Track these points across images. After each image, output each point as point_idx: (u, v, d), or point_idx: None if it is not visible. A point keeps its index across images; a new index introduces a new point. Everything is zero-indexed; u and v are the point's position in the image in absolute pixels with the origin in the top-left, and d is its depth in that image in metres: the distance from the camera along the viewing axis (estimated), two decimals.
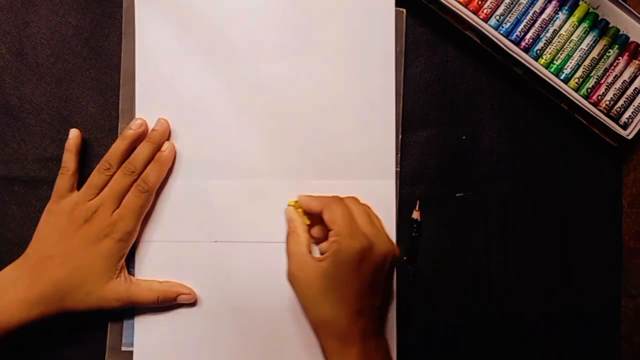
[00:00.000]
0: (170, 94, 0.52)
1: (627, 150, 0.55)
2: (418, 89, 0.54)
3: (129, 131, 0.50)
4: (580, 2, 0.53)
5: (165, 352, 0.52)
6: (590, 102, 0.52)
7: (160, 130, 0.51)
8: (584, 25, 0.53)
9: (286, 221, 0.51)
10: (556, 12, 0.53)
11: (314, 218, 0.50)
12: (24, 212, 0.53)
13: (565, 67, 0.52)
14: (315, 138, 0.53)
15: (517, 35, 0.52)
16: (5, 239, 0.52)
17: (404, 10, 0.54)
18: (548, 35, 0.52)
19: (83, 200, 0.49)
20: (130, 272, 0.51)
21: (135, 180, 0.50)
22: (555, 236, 0.55)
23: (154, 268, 0.52)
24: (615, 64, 0.53)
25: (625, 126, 0.53)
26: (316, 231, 0.51)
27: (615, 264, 0.55)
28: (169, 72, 0.52)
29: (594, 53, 0.53)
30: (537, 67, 0.52)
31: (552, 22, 0.52)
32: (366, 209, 0.50)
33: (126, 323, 0.52)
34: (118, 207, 0.49)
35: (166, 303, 0.51)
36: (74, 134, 0.51)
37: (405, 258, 0.53)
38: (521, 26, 0.52)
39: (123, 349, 0.52)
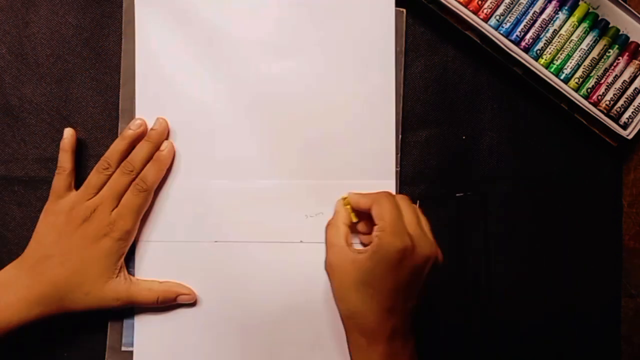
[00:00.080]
0: (170, 94, 0.52)
1: (627, 150, 0.55)
2: (418, 89, 0.54)
3: (129, 131, 0.50)
4: (580, 2, 0.53)
5: (165, 352, 0.52)
6: (590, 102, 0.52)
7: (159, 129, 0.51)
8: (584, 25, 0.53)
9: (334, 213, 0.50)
10: (556, 12, 0.53)
11: (362, 216, 0.49)
12: (24, 212, 0.53)
13: (565, 67, 0.52)
14: (315, 138, 0.53)
15: (517, 35, 0.52)
16: (5, 239, 0.53)
17: (404, 10, 0.54)
18: (548, 35, 0.52)
19: (81, 200, 0.49)
20: (130, 272, 0.51)
21: (134, 180, 0.50)
22: (555, 236, 0.55)
23: (154, 268, 0.52)
24: (615, 64, 0.53)
25: (625, 126, 0.53)
26: (362, 226, 0.50)
27: (615, 264, 0.55)
28: (169, 72, 0.52)
29: (594, 53, 0.53)
30: (537, 67, 0.52)
31: (552, 22, 0.52)
32: (415, 210, 0.48)
33: (126, 323, 0.52)
34: (117, 206, 0.49)
35: (166, 303, 0.51)
36: (68, 133, 0.51)
37: None
38: (521, 26, 0.52)
39: (123, 349, 0.52)
